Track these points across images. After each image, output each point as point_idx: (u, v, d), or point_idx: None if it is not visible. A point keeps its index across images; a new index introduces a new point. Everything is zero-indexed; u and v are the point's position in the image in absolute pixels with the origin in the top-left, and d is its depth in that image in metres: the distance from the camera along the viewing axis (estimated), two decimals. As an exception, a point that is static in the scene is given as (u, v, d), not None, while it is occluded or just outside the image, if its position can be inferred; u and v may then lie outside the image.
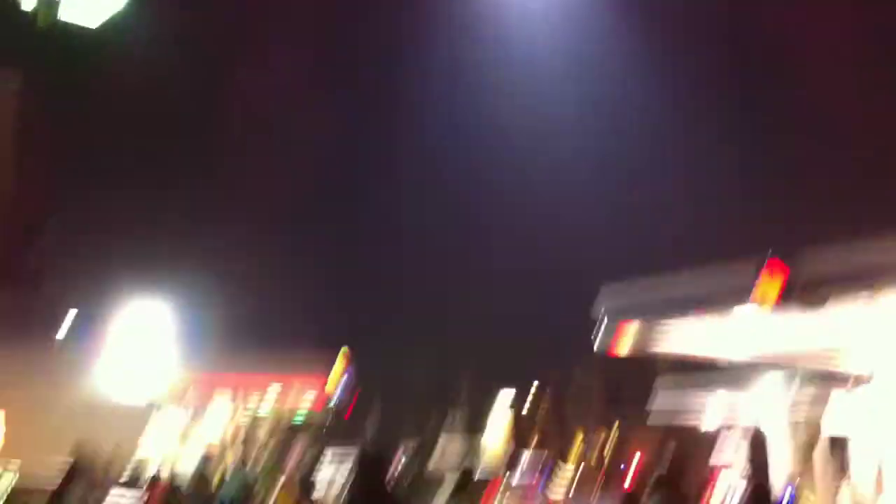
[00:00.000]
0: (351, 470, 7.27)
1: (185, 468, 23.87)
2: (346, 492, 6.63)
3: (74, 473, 11.18)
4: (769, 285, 12.05)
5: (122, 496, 18.95)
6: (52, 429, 21.59)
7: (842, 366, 18.83)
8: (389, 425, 46.07)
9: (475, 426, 47.95)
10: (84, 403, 23.25)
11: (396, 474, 11.45)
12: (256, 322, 39.62)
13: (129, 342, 25.15)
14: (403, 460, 16.97)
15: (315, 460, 15.78)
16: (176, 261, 37.23)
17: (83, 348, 26.14)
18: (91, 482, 12.47)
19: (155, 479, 16.59)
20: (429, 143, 48.23)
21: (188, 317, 29.94)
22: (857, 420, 22.25)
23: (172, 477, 15.65)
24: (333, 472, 24.60)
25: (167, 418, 27.65)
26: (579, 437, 63.30)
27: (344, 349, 34.35)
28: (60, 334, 32.31)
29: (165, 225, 37.42)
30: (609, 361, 58.96)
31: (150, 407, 26.64)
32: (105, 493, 15.18)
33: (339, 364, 33.74)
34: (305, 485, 14.14)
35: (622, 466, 37.35)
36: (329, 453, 24.44)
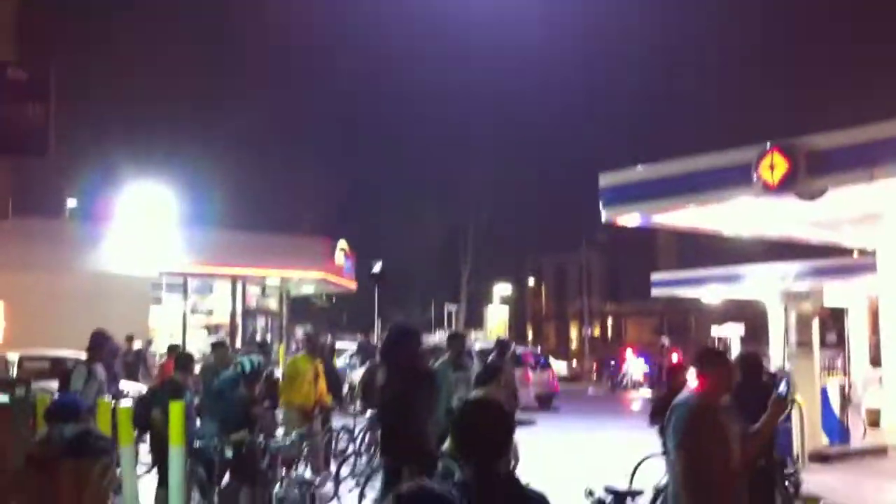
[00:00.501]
0: (387, 341, 6.92)
1: (195, 345, 24.61)
2: (380, 366, 6.32)
3: (100, 342, 11.51)
4: (772, 169, 12.03)
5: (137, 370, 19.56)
6: (61, 302, 22.03)
7: (843, 241, 18.99)
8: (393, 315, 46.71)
9: (472, 323, 48.67)
10: (92, 276, 23.58)
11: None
12: (257, 210, 39.93)
13: (135, 219, 25.30)
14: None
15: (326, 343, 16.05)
16: (180, 145, 37.29)
17: (92, 222, 26.39)
18: (112, 354, 12.83)
19: (173, 348, 17.01)
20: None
21: (191, 202, 30.16)
22: (857, 293, 22.66)
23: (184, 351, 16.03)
24: (345, 360, 25.21)
25: (172, 297, 28.24)
26: (575, 328, 64.57)
27: (343, 241, 34.53)
28: (69, 208, 32.65)
29: (174, 109, 37.32)
30: (606, 250, 59.49)
31: (157, 283, 27.08)
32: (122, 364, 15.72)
33: (340, 255, 33.97)
34: (322, 352, 14.32)
35: (612, 363, 38.20)
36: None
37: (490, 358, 12.24)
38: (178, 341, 24.61)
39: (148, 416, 9.56)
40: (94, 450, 5.49)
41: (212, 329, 30.02)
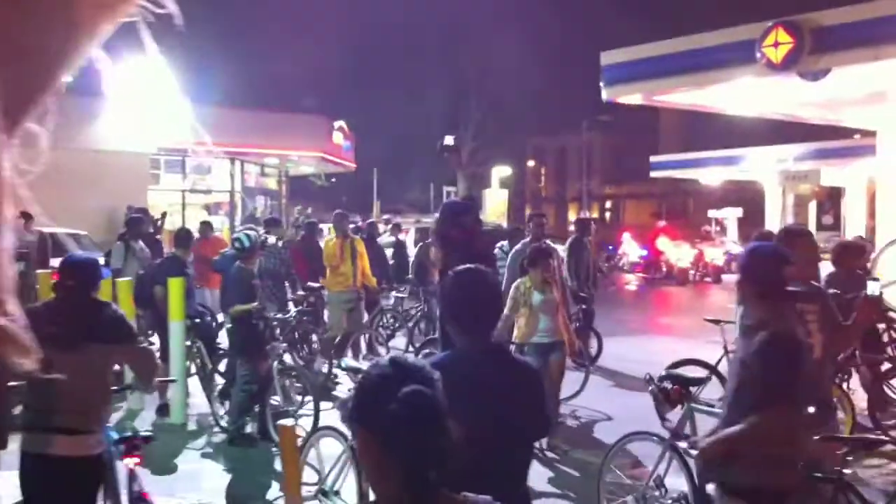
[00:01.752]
0: (439, 219, 5.93)
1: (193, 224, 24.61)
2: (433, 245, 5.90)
3: (138, 220, 11.73)
4: (776, 47, 11.85)
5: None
6: (58, 179, 21.94)
7: (845, 121, 18.85)
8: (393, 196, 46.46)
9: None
10: (89, 152, 23.44)
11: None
12: (255, 89, 39.37)
13: (134, 92, 24.92)
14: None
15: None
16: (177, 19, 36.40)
17: (87, 98, 26.07)
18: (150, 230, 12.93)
19: (206, 224, 16.99)
20: None
21: (189, 78, 29.64)
22: (856, 175, 22.63)
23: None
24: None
25: (170, 176, 28.16)
26: (574, 211, 64.43)
27: (341, 121, 34.18)
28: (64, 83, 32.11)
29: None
30: (609, 132, 58.70)
31: (155, 161, 26.97)
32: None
33: (338, 134, 33.68)
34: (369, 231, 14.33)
35: (610, 246, 38.13)
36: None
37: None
38: (178, 221, 24.67)
39: (150, 293, 9.68)
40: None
41: (211, 208, 30.09)
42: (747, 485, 3.77)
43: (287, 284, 12.31)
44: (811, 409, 4.41)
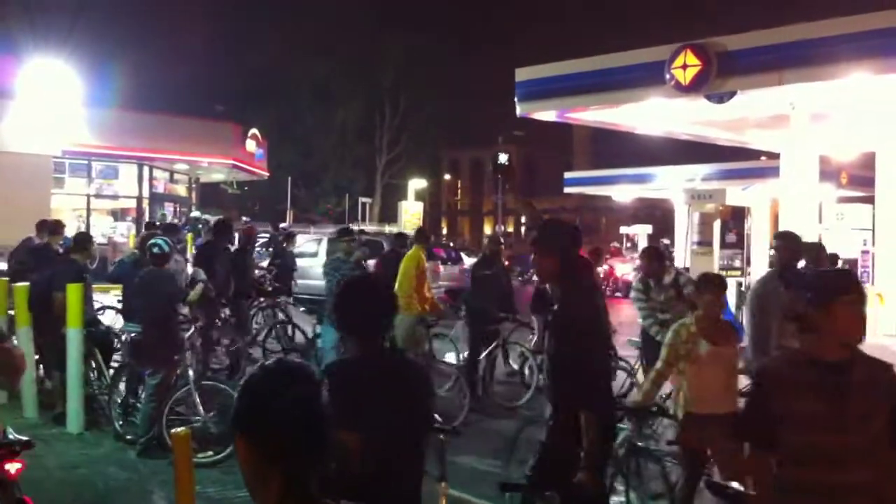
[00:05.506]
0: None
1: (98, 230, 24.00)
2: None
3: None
4: (684, 69, 12.12)
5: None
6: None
7: (750, 143, 19.42)
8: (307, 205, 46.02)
9: (387, 218, 48.38)
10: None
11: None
12: (165, 94, 38.63)
13: (36, 96, 24.18)
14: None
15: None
16: (84, 21, 35.53)
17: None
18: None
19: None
20: None
21: (95, 81, 28.95)
22: (760, 196, 23.33)
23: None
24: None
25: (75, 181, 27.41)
26: (489, 224, 65.02)
27: (254, 129, 33.85)
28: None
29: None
30: (523, 147, 59.13)
31: (60, 164, 26.23)
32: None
33: (251, 142, 33.32)
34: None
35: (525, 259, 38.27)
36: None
37: None
38: (83, 227, 24.00)
39: (47, 299, 9.35)
40: None
41: (118, 214, 29.36)
42: None
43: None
44: None
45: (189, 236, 21.58)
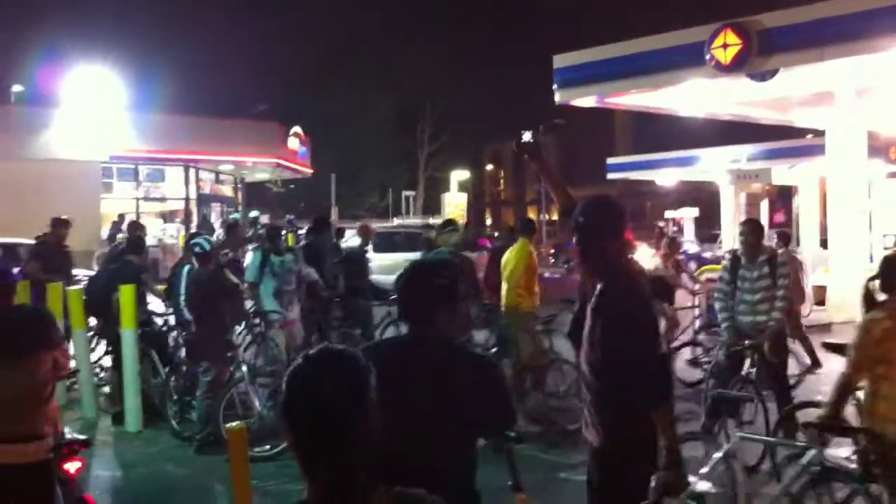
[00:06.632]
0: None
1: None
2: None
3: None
4: (724, 48, 12.02)
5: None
6: (10, 190, 21.70)
7: (795, 122, 19.14)
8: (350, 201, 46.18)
9: (430, 210, 48.33)
10: (40, 162, 23.15)
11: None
12: (208, 96, 39.06)
13: (83, 103, 24.66)
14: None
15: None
16: (126, 27, 36.06)
17: (39, 108, 25.76)
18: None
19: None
20: None
21: (140, 86, 29.45)
22: (808, 174, 22.96)
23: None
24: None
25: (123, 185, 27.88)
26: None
27: (297, 127, 34.05)
28: (14, 93, 31.74)
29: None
30: (564, 134, 58.55)
31: (108, 169, 26.70)
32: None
33: (294, 140, 33.54)
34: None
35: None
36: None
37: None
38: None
39: (103, 300, 9.49)
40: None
41: (167, 216, 29.79)
42: None
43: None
44: None
45: (290, 237, 21.44)
